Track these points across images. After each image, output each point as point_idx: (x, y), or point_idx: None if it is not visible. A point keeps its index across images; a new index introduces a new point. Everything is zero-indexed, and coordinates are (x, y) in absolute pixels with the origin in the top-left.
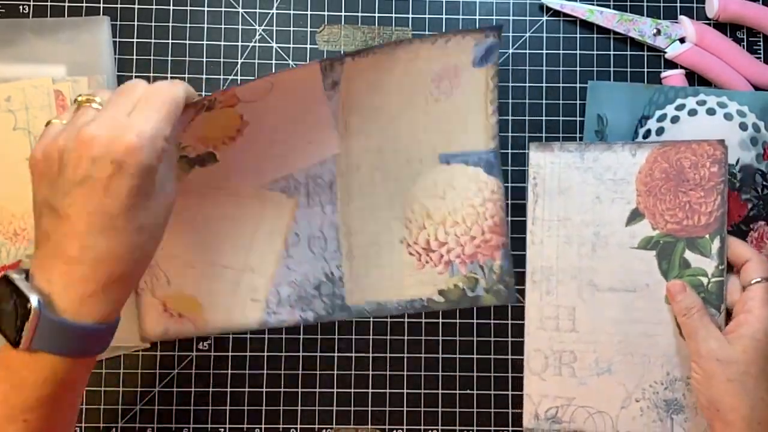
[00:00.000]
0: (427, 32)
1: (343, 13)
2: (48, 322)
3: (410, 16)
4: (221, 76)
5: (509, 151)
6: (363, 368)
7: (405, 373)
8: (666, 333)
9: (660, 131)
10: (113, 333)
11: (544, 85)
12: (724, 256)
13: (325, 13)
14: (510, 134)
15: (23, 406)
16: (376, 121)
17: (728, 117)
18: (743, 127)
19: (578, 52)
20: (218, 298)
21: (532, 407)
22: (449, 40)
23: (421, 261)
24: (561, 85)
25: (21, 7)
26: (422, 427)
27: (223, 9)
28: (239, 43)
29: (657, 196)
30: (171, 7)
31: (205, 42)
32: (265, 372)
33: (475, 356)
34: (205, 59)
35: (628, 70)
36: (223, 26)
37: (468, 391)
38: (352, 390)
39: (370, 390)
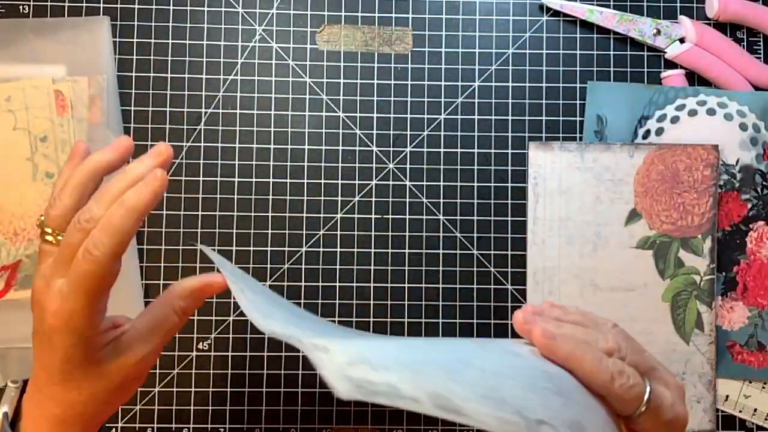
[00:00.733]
0: (426, 32)
1: (343, 13)
2: None
3: (410, 16)
4: (221, 76)
5: (509, 151)
6: None
7: None
8: (662, 330)
9: (660, 131)
10: None
11: (544, 85)
12: (715, 255)
13: (325, 13)
14: (510, 134)
15: None
16: None
17: (728, 117)
18: (743, 127)
19: (578, 52)
20: None
21: None
22: None
23: None
24: (561, 85)
25: (21, 7)
26: (422, 427)
27: (223, 9)
28: (239, 43)
29: (653, 197)
30: (171, 7)
31: (205, 42)
32: (265, 372)
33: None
34: (205, 59)
35: (628, 70)
36: (223, 26)
37: None
38: None
39: None
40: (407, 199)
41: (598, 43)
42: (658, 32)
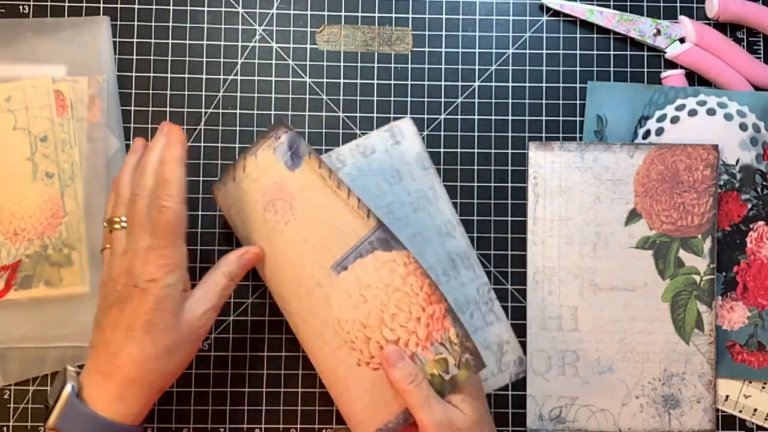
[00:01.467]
0: (426, 32)
1: (343, 13)
2: (73, 407)
3: (410, 16)
4: (221, 76)
5: (509, 151)
6: None
7: None
8: (662, 330)
9: (660, 131)
10: None
11: (544, 85)
12: (715, 255)
13: (325, 13)
14: (510, 134)
15: None
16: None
17: (728, 117)
18: (743, 127)
19: (578, 52)
20: None
21: (535, 408)
22: (246, 169)
23: None
24: (561, 85)
25: (21, 7)
26: None
27: (223, 9)
28: (239, 43)
29: (653, 197)
30: (171, 7)
31: (205, 42)
32: (265, 372)
33: None
34: (205, 59)
35: (628, 70)
36: (223, 26)
37: None
38: None
39: None
40: None
41: (598, 43)
42: (658, 32)
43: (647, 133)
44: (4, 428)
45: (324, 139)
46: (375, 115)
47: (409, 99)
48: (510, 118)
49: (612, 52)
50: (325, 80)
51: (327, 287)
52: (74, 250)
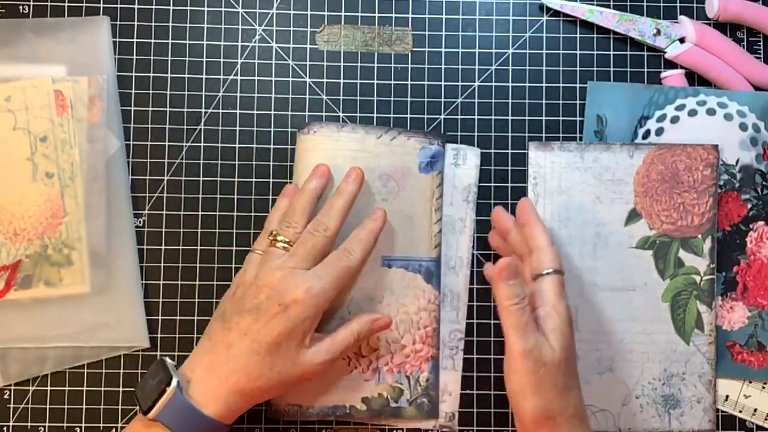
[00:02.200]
0: (426, 32)
1: (343, 13)
2: (177, 400)
3: (410, 16)
4: (221, 76)
5: (509, 151)
6: None
7: None
8: (663, 330)
9: (660, 131)
10: None
11: (544, 85)
12: (715, 255)
13: (325, 13)
14: (510, 134)
15: None
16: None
17: (728, 117)
18: (743, 127)
19: (578, 52)
20: None
21: None
22: (394, 138)
23: (350, 365)
24: (561, 85)
25: (21, 7)
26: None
27: (223, 9)
28: (239, 43)
29: (653, 197)
30: (171, 7)
31: (205, 42)
32: None
33: (475, 356)
34: (205, 59)
35: (628, 70)
36: (223, 26)
37: (468, 391)
38: None
39: None
40: None
41: (598, 43)
42: (658, 32)
43: (647, 133)
44: (4, 428)
45: None
46: (375, 115)
47: (409, 99)
48: (510, 118)
49: (612, 52)
50: (325, 80)
51: (367, 267)
52: (74, 250)
